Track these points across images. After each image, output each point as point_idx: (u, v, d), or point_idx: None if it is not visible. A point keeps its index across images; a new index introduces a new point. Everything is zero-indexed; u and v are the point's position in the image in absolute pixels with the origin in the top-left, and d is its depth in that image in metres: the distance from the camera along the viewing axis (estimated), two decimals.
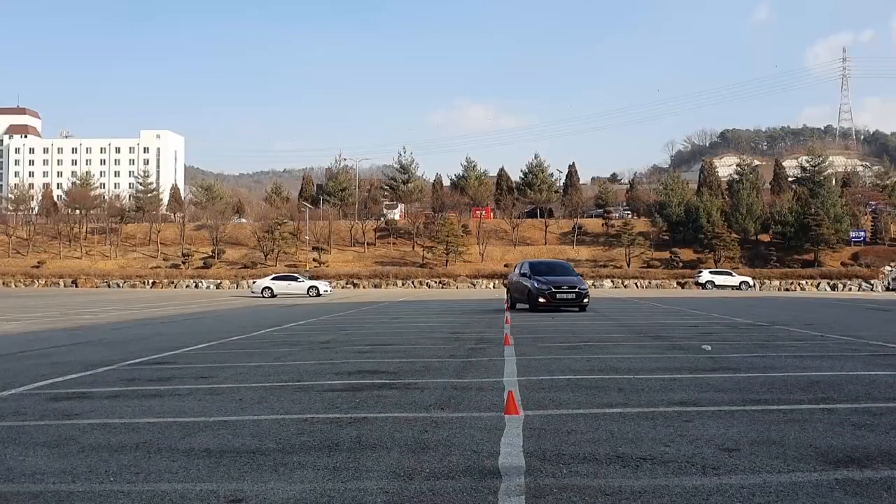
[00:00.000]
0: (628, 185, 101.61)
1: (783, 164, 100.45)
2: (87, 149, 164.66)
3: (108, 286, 68.07)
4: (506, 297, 25.74)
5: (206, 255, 76.70)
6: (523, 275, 23.27)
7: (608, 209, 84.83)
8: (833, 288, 62.30)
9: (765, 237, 75.30)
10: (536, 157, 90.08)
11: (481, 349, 11.50)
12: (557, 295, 21.44)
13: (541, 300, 21.37)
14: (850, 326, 16.50)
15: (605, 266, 70.86)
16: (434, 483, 4.17)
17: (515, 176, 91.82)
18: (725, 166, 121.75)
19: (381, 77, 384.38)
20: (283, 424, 5.87)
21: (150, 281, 68.96)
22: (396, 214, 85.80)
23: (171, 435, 5.53)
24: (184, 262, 74.04)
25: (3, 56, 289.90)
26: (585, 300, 21.93)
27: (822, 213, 69.63)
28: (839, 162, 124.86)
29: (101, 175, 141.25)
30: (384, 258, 75.42)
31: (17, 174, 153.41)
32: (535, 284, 21.84)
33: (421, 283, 67.12)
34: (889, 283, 62.72)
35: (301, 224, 77.16)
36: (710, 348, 11.33)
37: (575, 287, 21.86)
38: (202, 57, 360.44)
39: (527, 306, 22.60)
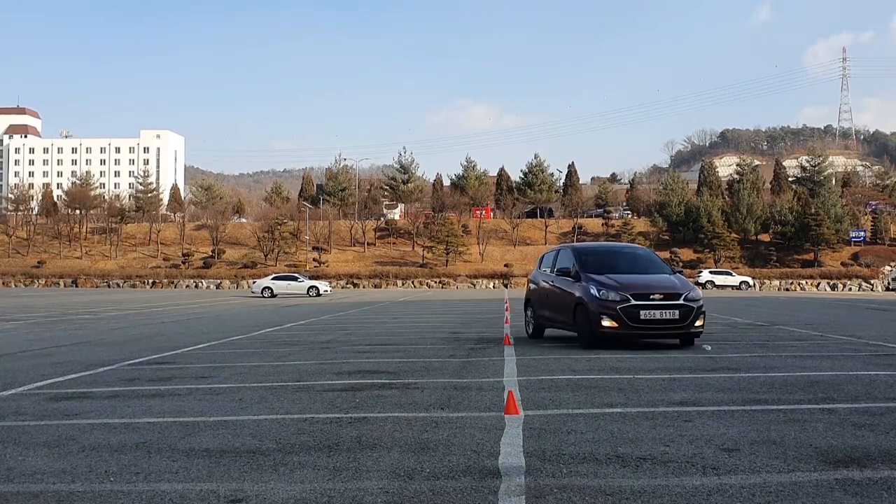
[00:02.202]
0: (628, 185, 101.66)
1: (783, 164, 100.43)
2: (87, 149, 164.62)
3: (108, 286, 68.06)
4: (525, 313, 14.21)
5: (206, 255, 76.68)
6: (561, 272, 12.38)
7: (608, 209, 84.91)
8: (833, 288, 62.30)
9: (765, 237, 75.32)
10: (536, 156, 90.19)
11: (481, 349, 11.50)
12: (642, 312, 10.79)
13: (606, 323, 10.89)
14: (849, 326, 16.49)
15: None
16: (434, 483, 4.17)
17: (515, 176, 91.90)
18: (725, 166, 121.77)
19: (382, 77, 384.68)
20: (283, 424, 5.87)
21: (150, 281, 68.97)
22: (396, 214, 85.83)
23: (171, 435, 5.53)
24: (184, 262, 74.02)
25: (3, 56, 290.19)
26: (698, 323, 11.22)
27: (822, 213, 69.64)
28: (839, 162, 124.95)
29: (101, 175, 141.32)
30: (384, 258, 75.41)
31: (17, 174, 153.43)
32: (596, 291, 11.13)
33: (421, 283, 67.10)
34: (889, 283, 62.72)
35: (301, 224, 77.15)
36: (709, 348, 11.33)
37: (679, 294, 11.11)
38: (202, 57, 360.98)
39: (572, 334, 12.32)
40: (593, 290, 11.19)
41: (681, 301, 11.05)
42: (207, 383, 8.20)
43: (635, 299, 10.88)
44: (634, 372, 8.65)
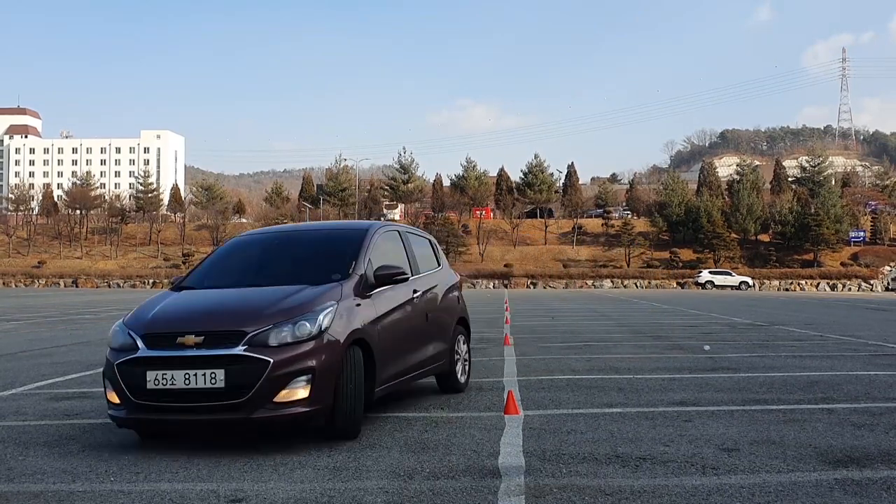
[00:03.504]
0: (628, 186, 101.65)
1: (783, 164, 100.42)
2: (87, 149, 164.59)
3: (109, 286, 68.08)
4: None
5: (206, 255, 76.70)
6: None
7: (608, 209, 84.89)
8: (833, 288, 62.32)
9: (765, 237, 75.34)
10: (536, 157, 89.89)
11: (481, 349, 11.50)
12: (151, 376, 4.81)
13: (108, 396, 5.11)
14: (849, 326, 16.50)
15: (605, 266, 70.87)
16: (434, 483, 4.17)
17: (515, 176, 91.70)
18: (725, 166, 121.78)
19: (382, 77, 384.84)
20: None
21: (151, 281, 68.99)
22: (397, 214, 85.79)
23: None
24: (184, 262, 74.02)
25: (3, 56, 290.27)
26: (283, 397, 4.80)
27: (821, 213, 69.68)
28: (839, 162, 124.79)
29: (101, 175, 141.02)
30: None
31: (17, 174, 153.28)
32: (116, 329, 5.26)
33: None
34: (888, 283, 62.76)
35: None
36: (709, 348, 11.35)
37: (240, 334, 4.86)
38: (202, 57, 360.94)
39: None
40: (114, 328, 5.37)
41: (238, 349, 4.85)
42: None
43: (150, 346, 5.00)
44: (634, 372, 8.65)
